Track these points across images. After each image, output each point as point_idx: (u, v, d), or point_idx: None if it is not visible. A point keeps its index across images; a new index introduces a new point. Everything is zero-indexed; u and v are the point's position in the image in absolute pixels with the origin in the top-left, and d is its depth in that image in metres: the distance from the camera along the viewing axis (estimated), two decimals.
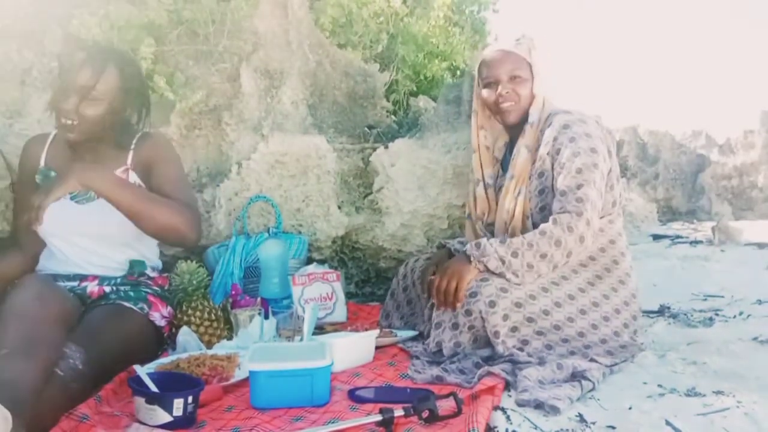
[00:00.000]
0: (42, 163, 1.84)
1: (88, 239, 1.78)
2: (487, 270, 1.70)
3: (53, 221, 1.73)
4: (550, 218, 1.73)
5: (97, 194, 1.63)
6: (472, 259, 1.73)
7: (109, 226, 1.75)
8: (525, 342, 1.68)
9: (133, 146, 1.84)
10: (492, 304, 1.64)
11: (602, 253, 1.84)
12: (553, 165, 1.81)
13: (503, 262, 1.69)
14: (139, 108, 1.85)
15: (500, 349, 1.64)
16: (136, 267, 1.83)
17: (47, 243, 1.81)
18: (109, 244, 1.80)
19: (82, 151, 1.80)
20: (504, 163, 2.03)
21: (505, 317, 1.66)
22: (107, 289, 1.78)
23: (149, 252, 1.90)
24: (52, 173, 1.80)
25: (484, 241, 1.74)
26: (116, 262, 1.82)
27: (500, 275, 1.69)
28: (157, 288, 1.86)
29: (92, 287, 1.77)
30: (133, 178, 1.82)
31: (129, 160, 1.82)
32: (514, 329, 1.67)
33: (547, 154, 1.82)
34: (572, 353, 1.67)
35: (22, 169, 1.89)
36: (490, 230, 2.00)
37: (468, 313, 1.66)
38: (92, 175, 1.60)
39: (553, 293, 1.73)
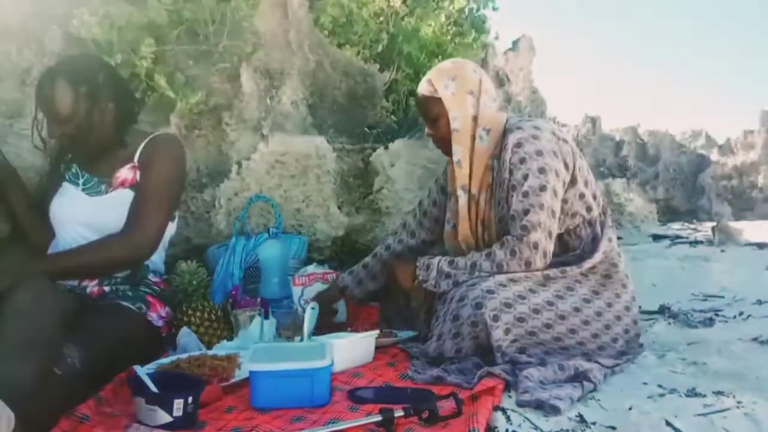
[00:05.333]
0: (70, 155, 1.91)
1: (92, 232, 1.78)
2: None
3: (63, 210, 1.81)
4: (500, 240, 1.79)
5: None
6: (417, 275, 1.84)
7: (115, 223, 1.77)
8: (523, 350, 1.68)
9: (142, 145, 1.86)
10: (495, 318, 1.64)
11: (602, 258, 1.84)
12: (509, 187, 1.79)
13: (449, 277, 1.79)
14: (116, 105, 1.80)
15: (500, 361, 1.64)
16: (137, 270, 1.84)
17: (56, 233, 1.85)
18: None
19: (91, 152, 1.84)
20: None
21: (507, 331, 1.65)
22: (107, 288, 1.78)
23: (155, 257, 1.90)
24: (73, 166, 1.88)
25: (435, 261, 1.83)
26: None
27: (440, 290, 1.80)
28: (156, 288, 1.86)
29: (92, 287, 1.78)
30: (139, 175, 1.83)
31: (136, 158, 1.85)
32: (514, 341, 1.67)
33: (505, 177, 1.80)
34: (571, 357, 1.68)
35: (53, 158, 1.98)
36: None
37: (474, 324, 1.66)
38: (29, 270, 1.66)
39: (559, 306, 1.72)
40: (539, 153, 1.75)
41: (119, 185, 1.82)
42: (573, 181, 1.82)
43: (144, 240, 1.77)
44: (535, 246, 1.74)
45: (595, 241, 1.86)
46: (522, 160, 1.76)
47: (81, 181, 1.85)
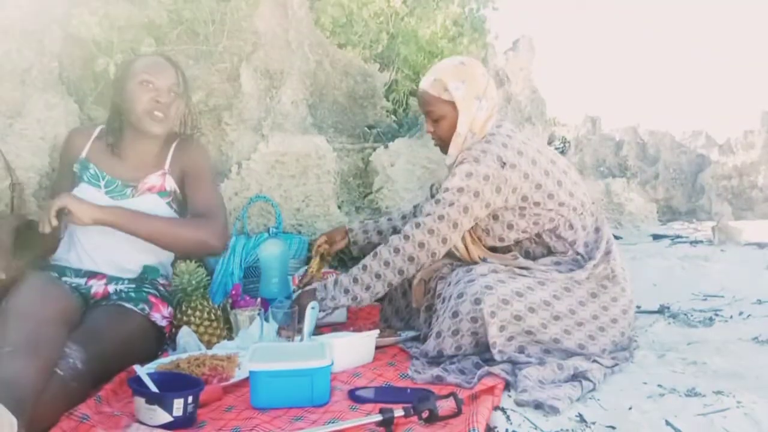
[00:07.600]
0: (84, 154, 1.88)
1: (111, 236, 1.77)
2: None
3: None
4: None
5: (116, 228, 1.72)
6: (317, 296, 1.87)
7: None
8: (522, 349, 1.68)
9: (172, 150, 1.89)
10: (492, 314, 1.64)
11: (599, 261, 1.83)
12: None
13: (347, 292, 1.84)
14: (187, 110, 1.95)
15: (498, 358, 1.64)
16: (149, 273, 1.84)
17: (71, 234, 1.83)
18: (131, 245, 1.79)
19: (126, 150, 1.86)
20: None
21: (502, 328, 1.66)
22: (111, 289, 1.78)
23: (166, 259, 1.92)
24: (91, 166, 1.85)
25: (330, 280, 1.88)
26: (131, 264, 1.83)
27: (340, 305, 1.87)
28: (160, 289, 1.86)
29: (97, 287, 1.78)
30: (170, 183, 1.87)
31: (167, 165, 1.87)
32: (510, 338, 1.67)
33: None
34: (571, 357, 1.68)
35: (63, 157, 1.95)
36: None
37: (473, 320, 1.66)
38: (106, 212, 1.70)
39: (555, 307, 1.72)
40: (468, 174, 1.80)
41: (146, 190, 1.83)
42: (524, 198, 1.83)
43: (227, 236, 1.89)
44: (406, 238, 1.81)
45: (589, 245, 1.86)
46: (453, 174, 1.83)
47: (102, 183, 1.83)
